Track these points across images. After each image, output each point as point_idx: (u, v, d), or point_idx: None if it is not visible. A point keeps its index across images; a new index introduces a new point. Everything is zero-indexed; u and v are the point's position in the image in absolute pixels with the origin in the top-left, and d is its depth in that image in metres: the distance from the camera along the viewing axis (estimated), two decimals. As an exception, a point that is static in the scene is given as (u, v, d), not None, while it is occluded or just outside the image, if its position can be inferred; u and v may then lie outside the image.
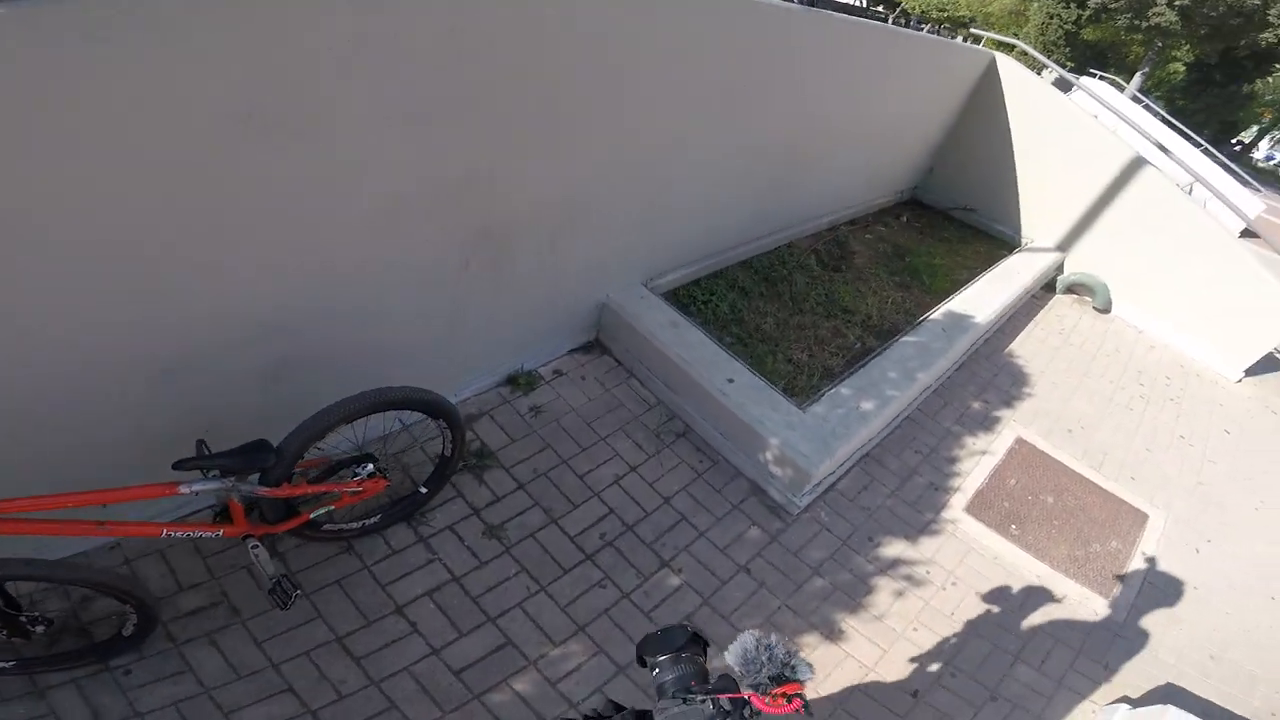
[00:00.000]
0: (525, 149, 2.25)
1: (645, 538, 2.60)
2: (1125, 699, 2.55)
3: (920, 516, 3.05)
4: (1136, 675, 2.65)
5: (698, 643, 1.09)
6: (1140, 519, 3.35)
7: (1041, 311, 4.74)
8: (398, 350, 2.38)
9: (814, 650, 2.45)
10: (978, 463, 3.38)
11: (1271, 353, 4.57)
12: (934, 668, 2.51)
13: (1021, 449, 3.52)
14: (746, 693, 0.97)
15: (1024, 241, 4.91)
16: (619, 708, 1.12)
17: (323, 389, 1.95)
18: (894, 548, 2.89)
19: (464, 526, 2.44)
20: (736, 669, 1.00)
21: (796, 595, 2.59)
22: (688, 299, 3.62)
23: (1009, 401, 3.83)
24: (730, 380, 2.91)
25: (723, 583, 2.54)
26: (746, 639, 1.02)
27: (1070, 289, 4.83)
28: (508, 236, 2.45)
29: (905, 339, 3.45)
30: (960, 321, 3.71)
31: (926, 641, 2.60)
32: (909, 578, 2.80)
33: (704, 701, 0.97)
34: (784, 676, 0.97)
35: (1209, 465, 3.87)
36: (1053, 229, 4.83)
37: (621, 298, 3.23)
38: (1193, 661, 2.77)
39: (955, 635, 2.64)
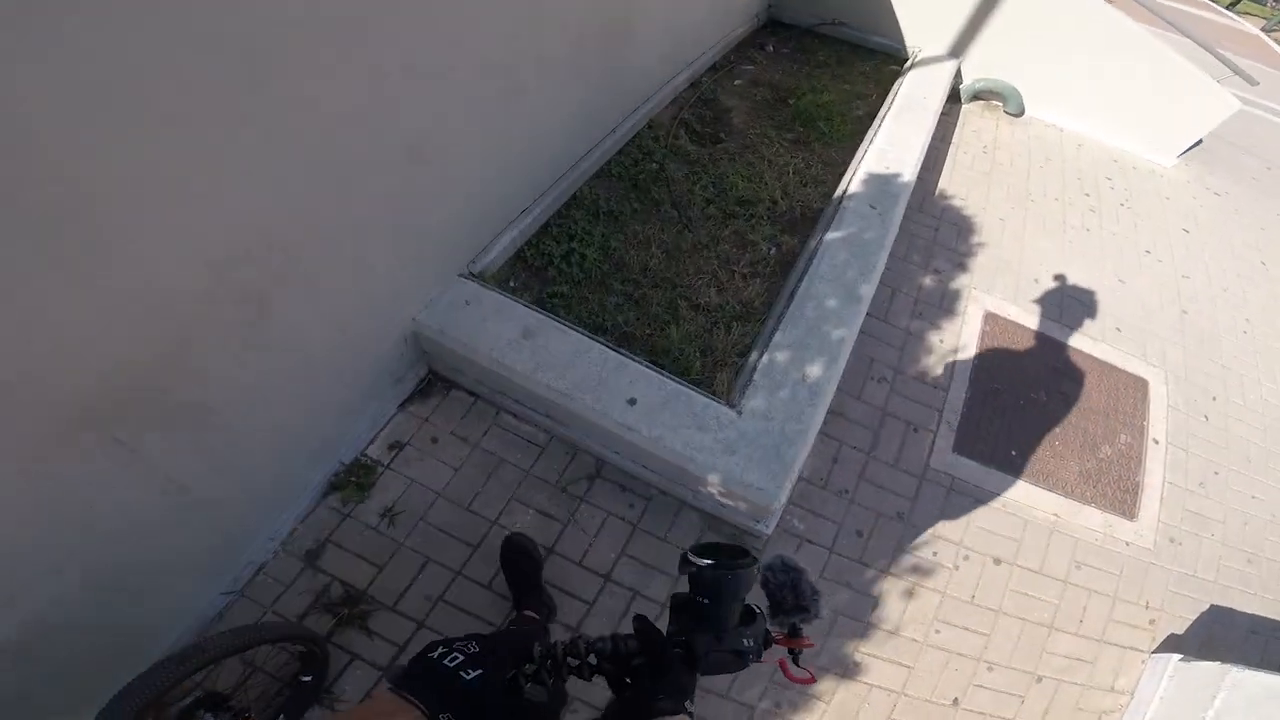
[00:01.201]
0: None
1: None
2: (1172, 637, 2.25)
3: (907, 479, 2.47)
4: (1179, 605, 2.35)
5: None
6: (1141, 389, 2.93)
7: (956, 130, 3.98)
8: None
9: (832, 697, 2.06)
10: (952, 371, 2.77)
11: (1202, 140, 4.11)
12: (967, 667, 2.16)
13: (994, 329, 2.94)
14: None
15: (911, 53, 4.01)
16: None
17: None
18: (889, 535, 2.33)
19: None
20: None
21: (791, 638, 2.02)
22: (540, 259, 2.59)
23: (962, 263, 3.17)
24: (632, 402, 2.03)
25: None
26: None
27: (977, 96, 4.08)
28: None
29: (831, 236, 2.61)
30: (885, 186, 2.89)
31: (952, 641, 2.19)
32: (915, 569, 2.28)
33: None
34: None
35: (1184, 282, 3.50)
36: (940, 34, 3.92)
37: (435, 314, 2.19)
38: (1232, 572, 2.50)
39: (982, 622, 2.23)
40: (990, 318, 2.96)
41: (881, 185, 2.90)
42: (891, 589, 2.25)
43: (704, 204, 2.90)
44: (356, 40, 1.43)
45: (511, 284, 2.54)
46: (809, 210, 2.94)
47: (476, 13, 1.82)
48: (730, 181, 2.97)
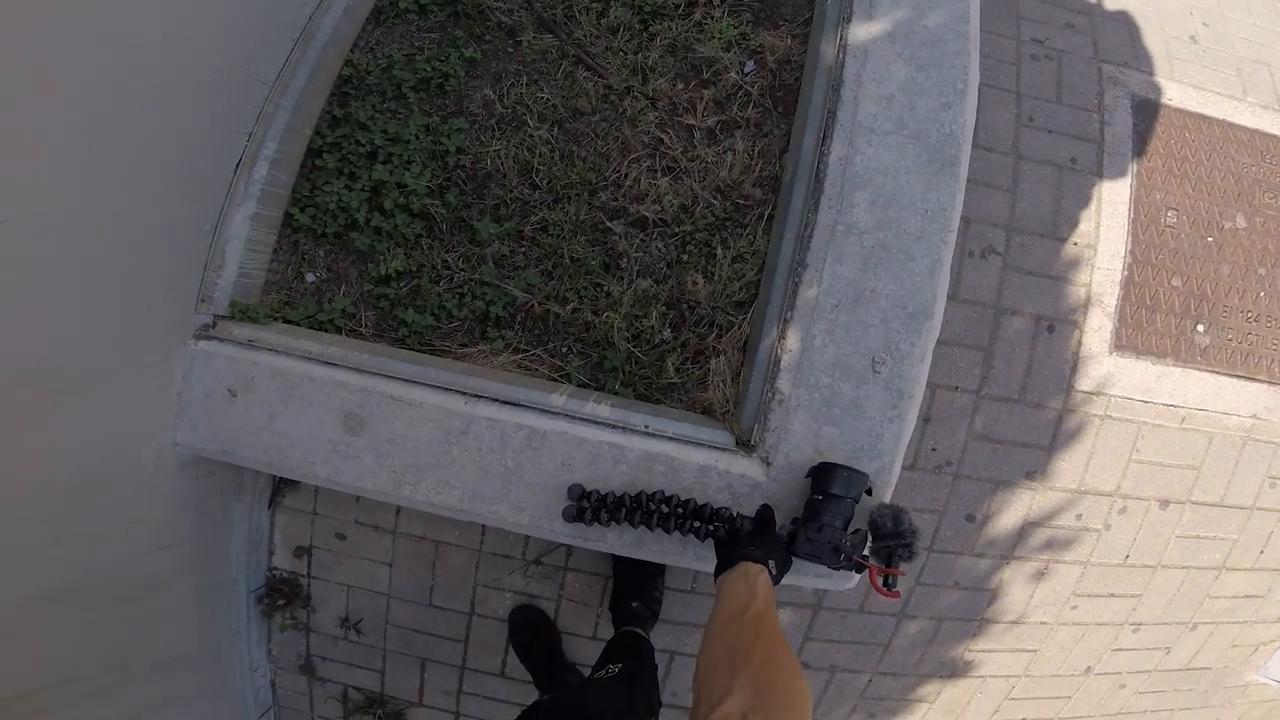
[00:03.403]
0: None
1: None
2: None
3: (1042, 414, 1.65)
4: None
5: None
6: None
7: None
8: None
9: (937, 697, 1.84)
10: (1099, 206, 1.71)
11: None
12: (1107, 635, 1.84)
13: (1150, 127, 1.78)
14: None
15: None
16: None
17: None
18: (1014, 509, 1.69)
19: None
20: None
21: (887, 657, 1.78)
22: (325, 219, 1.40)
23: (1071, 22, 1.85)
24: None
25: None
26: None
27: None
28: None
29: (862, 31, 1.33)
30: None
31: (1092, 613, 1.81)
32: (1049, 543, 1.74)
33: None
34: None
35: None
36: None
37: (196, 424, 1.25)
38: None
39: (1133, 584, 1.80)
40: (1142, 109, 1.78)
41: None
42: (1015, 575, 1.74)
43: (599, 8, 1.56)
44: None
45: (309, 278, 1.43)
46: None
47: None
48: None
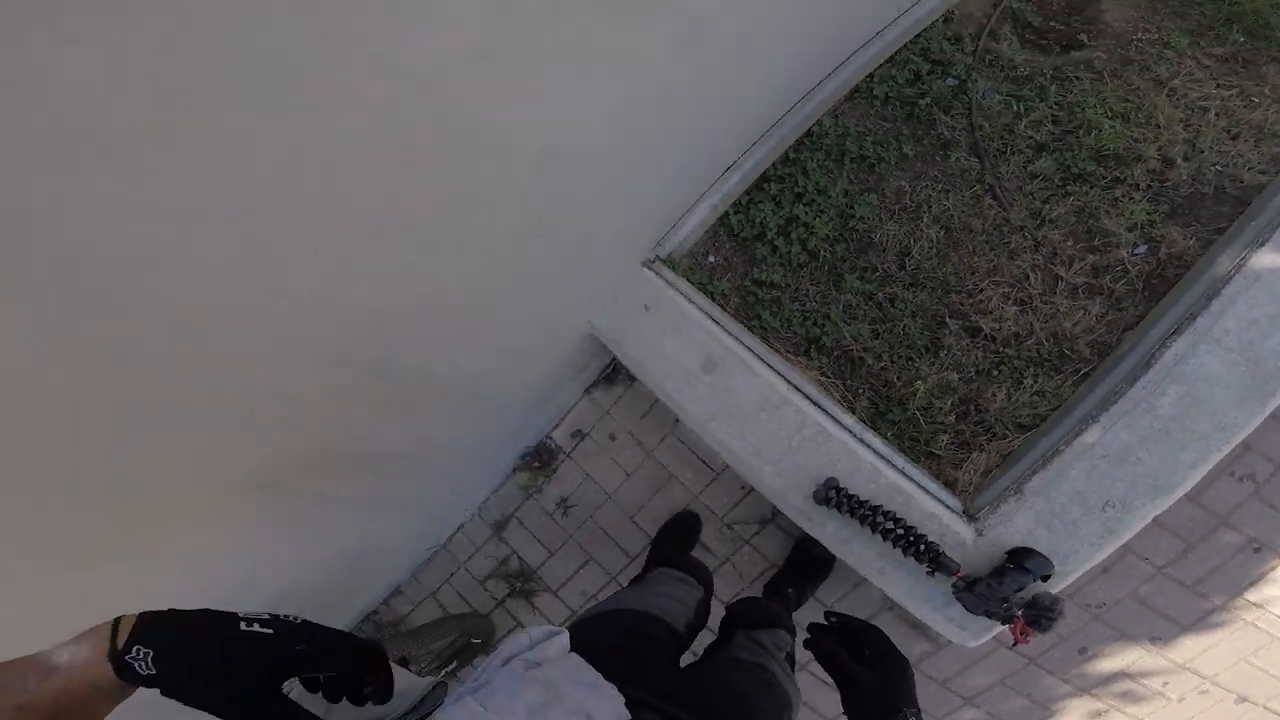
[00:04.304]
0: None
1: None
2: None
3: (1198, 604, 1.80)
4: None
5: None
6: None
7: None
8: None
9: None
10: None
11: None
12: None
13: None
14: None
15: None
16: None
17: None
18: (1123, 656, 1.87)
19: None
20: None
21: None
22: (749, 227, 1.93)
23: None
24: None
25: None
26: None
27: None
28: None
29: (1266, 258, 1.46)
30: None
31: None
32: (1126, 694, 1.90)
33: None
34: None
35: None
36: None
37: (612, 319, 1.78)
38: None
39: None
40: None
41: None
42: (1078, 708, 1.93)
43: (1030, 153, 1.85)
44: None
45: (711, 259, 1.97)
46: (1234, 183, 1.71)
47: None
48: (1088, 118, 1.82)
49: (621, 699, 0.74)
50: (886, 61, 1.98)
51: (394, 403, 1.33)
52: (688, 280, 1.85)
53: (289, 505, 1.31)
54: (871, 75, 1.98)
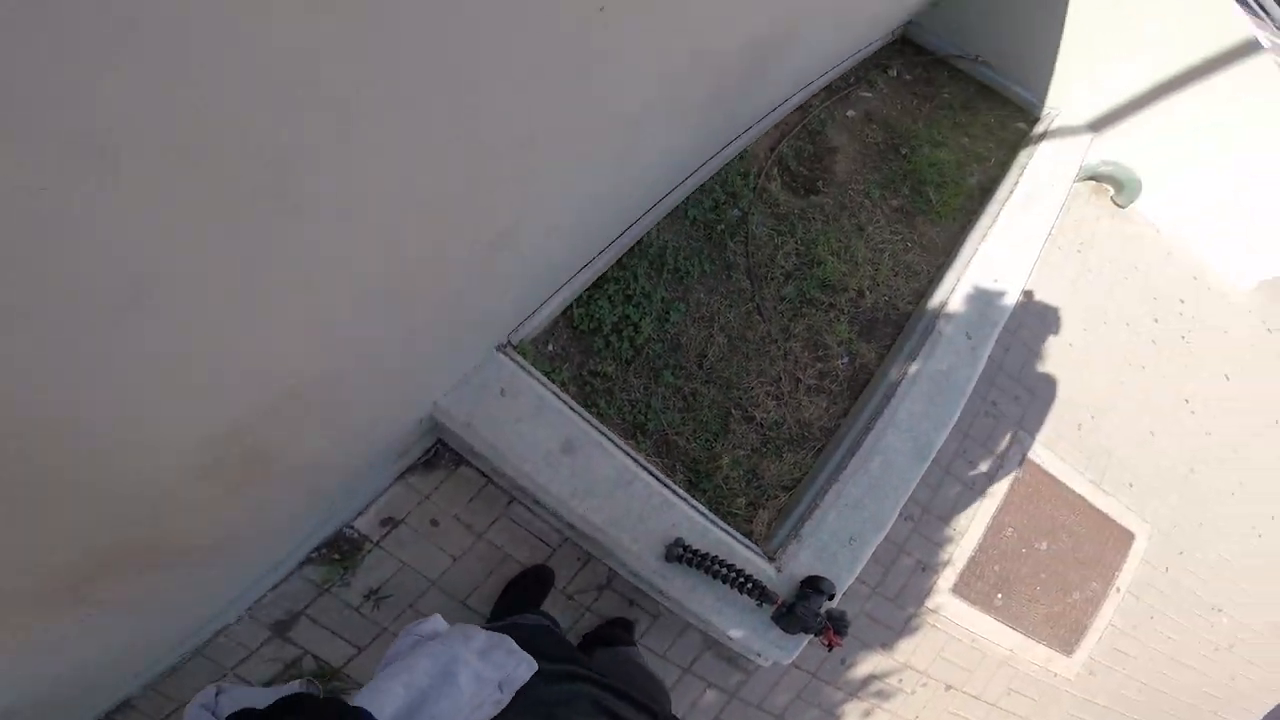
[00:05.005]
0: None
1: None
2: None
3: (901, 613, 2.67)
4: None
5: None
6: (1125, 543, 3.19)
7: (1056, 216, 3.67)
8: None
9: None
10: (975, 513, 2.84)
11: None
12: None
13: (1026, 477, 2.97)
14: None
15: (1047, 115, 3.50)
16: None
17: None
18: (868, 664, 2.63)
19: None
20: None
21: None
22: (588, 322, 2.26)
23: (1018, 397, 3.03)
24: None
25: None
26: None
27: (1093, 176, 3.70)
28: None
29: (916, 369, 2.36)
30: (987, 309, 2.61)
31: None
32: (880, 693, 2.65)
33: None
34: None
35: (1204, 439, 3.53)
36: (1091, 100, 3.40)
37: (463, 400, 1.89)
38: (1124, 699, 3.12)
39: None
40: (1027, 464, 2.98)
41: (983, 306, 2.63)
42: (853, 710, 2.58)
43: (782, 279, 2.57)
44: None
45: (550, 347, 2.23)
46: (894, 311, 2.66)
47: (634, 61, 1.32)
48: (818, 254, 2.63)
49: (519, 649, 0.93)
50: (699, 188, 2.53)
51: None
52: (534, 367, 2.11)
53: None
54: (687, 200, 2.50)
